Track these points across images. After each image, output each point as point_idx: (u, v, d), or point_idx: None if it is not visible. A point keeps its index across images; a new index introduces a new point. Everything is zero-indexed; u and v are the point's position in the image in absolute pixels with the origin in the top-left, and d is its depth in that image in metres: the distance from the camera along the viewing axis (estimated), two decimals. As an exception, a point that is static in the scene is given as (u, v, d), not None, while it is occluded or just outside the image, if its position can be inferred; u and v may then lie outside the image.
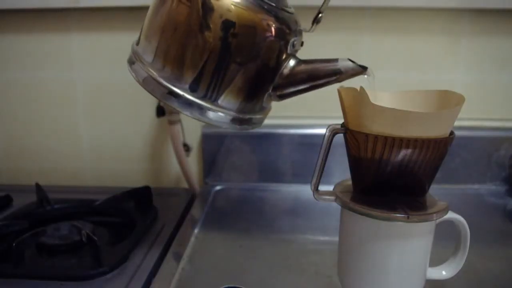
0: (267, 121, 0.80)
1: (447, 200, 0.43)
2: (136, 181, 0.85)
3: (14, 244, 0.53)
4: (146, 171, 0.87)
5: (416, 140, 0.39)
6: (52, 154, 0.87)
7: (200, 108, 0.48)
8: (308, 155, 0.78)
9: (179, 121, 0.78)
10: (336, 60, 0.49)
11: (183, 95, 0.48)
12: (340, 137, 0.45)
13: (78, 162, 0.87)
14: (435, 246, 0.44)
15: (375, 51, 0.79)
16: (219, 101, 0.49)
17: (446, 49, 0.78)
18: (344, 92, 0.44)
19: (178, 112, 0.77)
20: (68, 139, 0.86)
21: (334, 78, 0.49)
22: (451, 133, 0.42)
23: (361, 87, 0.41)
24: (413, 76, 0.79)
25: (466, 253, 0.46)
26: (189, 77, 0.48)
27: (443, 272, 0.47)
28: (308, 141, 0.78)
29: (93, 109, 0.84)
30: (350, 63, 0.48)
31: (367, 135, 0.41)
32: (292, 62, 0.50)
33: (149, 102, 0.82)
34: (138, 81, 0.50)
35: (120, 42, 0.81)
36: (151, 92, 0.49)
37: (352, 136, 0.43)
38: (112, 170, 0.87)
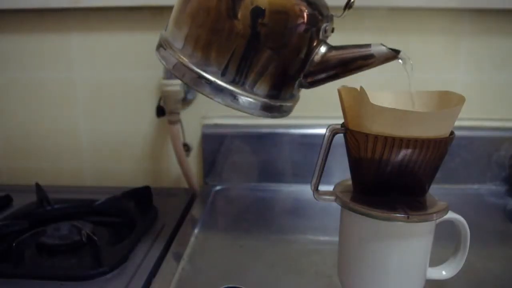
0: (267, 121, 0.81)
1: (447, 200, 0.43)
2: (136, 181, 0.85)
3: (14, 244, 0.53)
4: (146, 171, 0.87)
5: (416, 140, 0.39)
6: (52, 154, 0.87)
7: (231, 94, 0.48)
8: (308, 155, 0.78)
9: (179, 121, 0.79)
10: (368, 45, 0.48)
11: (214, 80, 0.47)
12: (340, 137, 0.45)
13: (78, 162, 0.87)
14: (435, 246, 0.44)
15: (375, 51, 0.78)
16: (249, 87, 0.48)
17: (446, 49, 0.78)
18: (344, 92, 0.44)
19: (178, 112, 0.78)
20: (68, 139, 0.86)
21: (366, 63, 0.48)
22: (451, 133, 0.42)
23: (361, 87, 0.41)
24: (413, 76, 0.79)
25: (466, 253, 0.46)
26: (220, 63, 0.47)
27: (443, 272, 0.47)
28: (308, 141, 0.78)
29: (93, 109, 0.84)
30: (383, 47, 0.48)
31: (367, 135, 0.41)
32: (323, 49, 0.49)
33: (149, 102, 0.82)
34: (168, 68, 0.50)
35: (120, 42, 0.81)
36: (181, 78, 0.49)
37: (352, 136, 0.43)
38: (112, 170, 0.87)
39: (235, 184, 0.80)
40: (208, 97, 0.48)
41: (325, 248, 0.58)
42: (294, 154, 0.79)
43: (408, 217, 0.40)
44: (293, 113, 0.80)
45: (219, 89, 0.48)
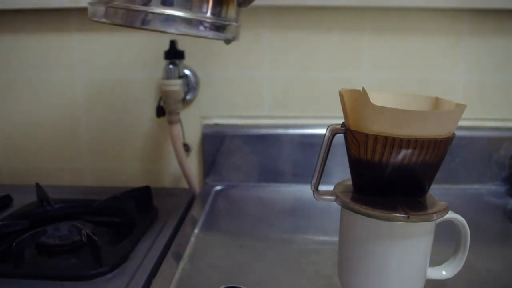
0: (267, 121, 0.81)
1: (447, 200, 0.43)
2: (136, 181, 0.85)
3: (14, 244, 0.53)
4: (146, 171, 0.87)
5: (416, 140, 0.39)
6: (52, 154, 0.87)
7: (170, 19, 0.47)
8: (308, 155, 0.78)
9: (179, 121, 0.79)
10: None
11: (161, 11, 0.47)
12: (340, 137, 0.45)
13: (78, 162, 0.87)
14: (435, 246, 0.44)
15: (375, 51, 0.79)
16: (193, 8, 0.48)
17: (446, 49, 0.78)
18: (346, 95, 0.44)
19: (178, 112, 0.78)
20: (68, 139, 0.86)
21: None
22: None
23: (363, 88, 0.41)
24: (413, 76, 0.79)
25: (466, 253, 0.46)
26: None
27: (443, 272, 0.47)
28: (308, 141, 0.78)
29: (93, 109, 0.84)
30: None
31: (367, 135, 0.41)
32: None
33: (149, 102, 0.82)
34: (99, 19, 0.49)
35: (120, 42, 0.81)
36: (122, 21, 0.48)
37: (352, 136, 0.43)
38: (112, 170, 0.87)
39: (235, 184, 0.80)
40: (158, 31, 0.47)
41: (325, 248, 0.58)
42: (294, 154, 0.79)
43: (408, 217, 0.40)
44: (293, 113, 0.81)
45: (166, 20, 0.47)
